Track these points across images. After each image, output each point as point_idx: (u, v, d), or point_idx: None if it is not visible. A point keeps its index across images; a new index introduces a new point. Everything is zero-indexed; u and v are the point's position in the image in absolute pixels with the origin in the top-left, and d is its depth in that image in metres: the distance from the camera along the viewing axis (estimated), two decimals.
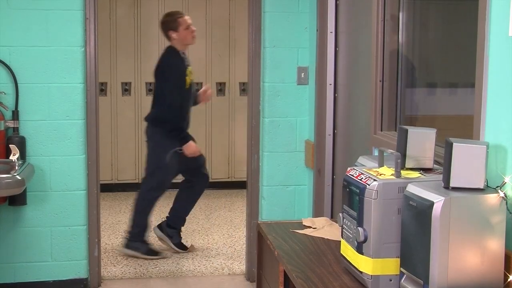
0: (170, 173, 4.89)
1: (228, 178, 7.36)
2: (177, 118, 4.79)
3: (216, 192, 7.20)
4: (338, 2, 3.89)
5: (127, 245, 4.91)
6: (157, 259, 4.84)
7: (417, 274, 1.81)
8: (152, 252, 4.89)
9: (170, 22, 4.87)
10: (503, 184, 1.85)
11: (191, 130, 4.94)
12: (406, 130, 2.10)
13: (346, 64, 3.83)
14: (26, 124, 4.06)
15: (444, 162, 1.84)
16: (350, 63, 3.79)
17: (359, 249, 1.97)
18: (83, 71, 4.10)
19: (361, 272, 1.98)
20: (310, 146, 4.25)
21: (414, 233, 1.81)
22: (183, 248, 5.05)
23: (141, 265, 4.76)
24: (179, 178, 5.10)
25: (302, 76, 4.34)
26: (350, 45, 3.79)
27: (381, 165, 2.10)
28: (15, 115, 4.01)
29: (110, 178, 7.10)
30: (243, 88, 7.12)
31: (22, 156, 3.92)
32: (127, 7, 6.99)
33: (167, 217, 5.14)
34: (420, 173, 2.04)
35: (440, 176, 1.90)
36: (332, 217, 3.93)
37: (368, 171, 2.04)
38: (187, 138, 4.78)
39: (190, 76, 4.91)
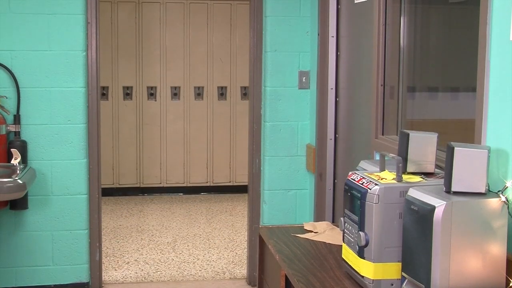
0: None
1: (229, 182, 7.36)
2: None
3: (218, 196, 7.20)
4: (339, 6, 3.90)
5: None
6: None
7: (418, 279, 1.81)
8: None
9: None
10: (505, 188, 1.85)
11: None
12: (408, 134, 2.10)
13: (347, 68, 3.84)
14: (27, 128, 4.06)
15: (446, 166, 1.84)
16: (351, 67, 3.79)
17: (361, 253, 1.97)
18: (85, 75, 4.10)
19: (362, 277, 1.98)
20: (312, 150, 4.25)
21: (415, 238, 1.81)
22: None
23: (142, 269, 4.76)
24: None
25: (304, 80, 4.34)
26: (351, 49, 3.79)
27: (382, 169, 2.10)
28: (17, 119, 4.01)
29: (111, 183, 7.10)
30: (245, 92, 7.13)
31: (24, 160, 3.93)
32: (128, 11, 7.00)
33: None
34: (421, 178, 2.04)
35: (442, 181, 1.90)
36: (334, 221, 3.92)
37: (369, 175, 2.04)
38: None
39: None
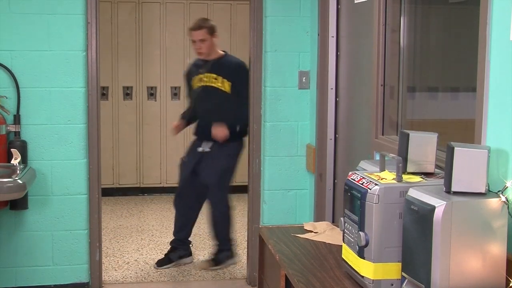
0: None
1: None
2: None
3: None
4: (339, 6, 3.89)
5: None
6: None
7: (418, 279, 1.81)
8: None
9: None
10: (505, 188, 1.84)
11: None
12: (408, 134, 2.10)
13: (347, 68, 3.84)
14: (27, 128, 4.06)
15: (446, 166, 1.84)
16: (351, 67, 3.79)
17: (361, 253, 1.97)
18: (85, 75, 4.10)
19: (362, 277, 1.98)
20: (312, 150, 4.24)
21: (415, 238, 1.81)
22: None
23: (142, 269, 4.76)
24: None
25: (304, 80, 4.34)
26: (351, 49, 3.79)
27: (382, 169, 2.10)
28: (17, 119, 4.01)
29: (111, 183, 7.10)
30: None
31: (24, 160, 3.93)
32: (128, 12, 7.00)
33: None
34: (421, 178, 2.04)
35: (442, 181, 1.90)
36: (334, 221, 3.92)
37: (369, 175, 2.04)
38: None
39: (197, 82, 4.86)
